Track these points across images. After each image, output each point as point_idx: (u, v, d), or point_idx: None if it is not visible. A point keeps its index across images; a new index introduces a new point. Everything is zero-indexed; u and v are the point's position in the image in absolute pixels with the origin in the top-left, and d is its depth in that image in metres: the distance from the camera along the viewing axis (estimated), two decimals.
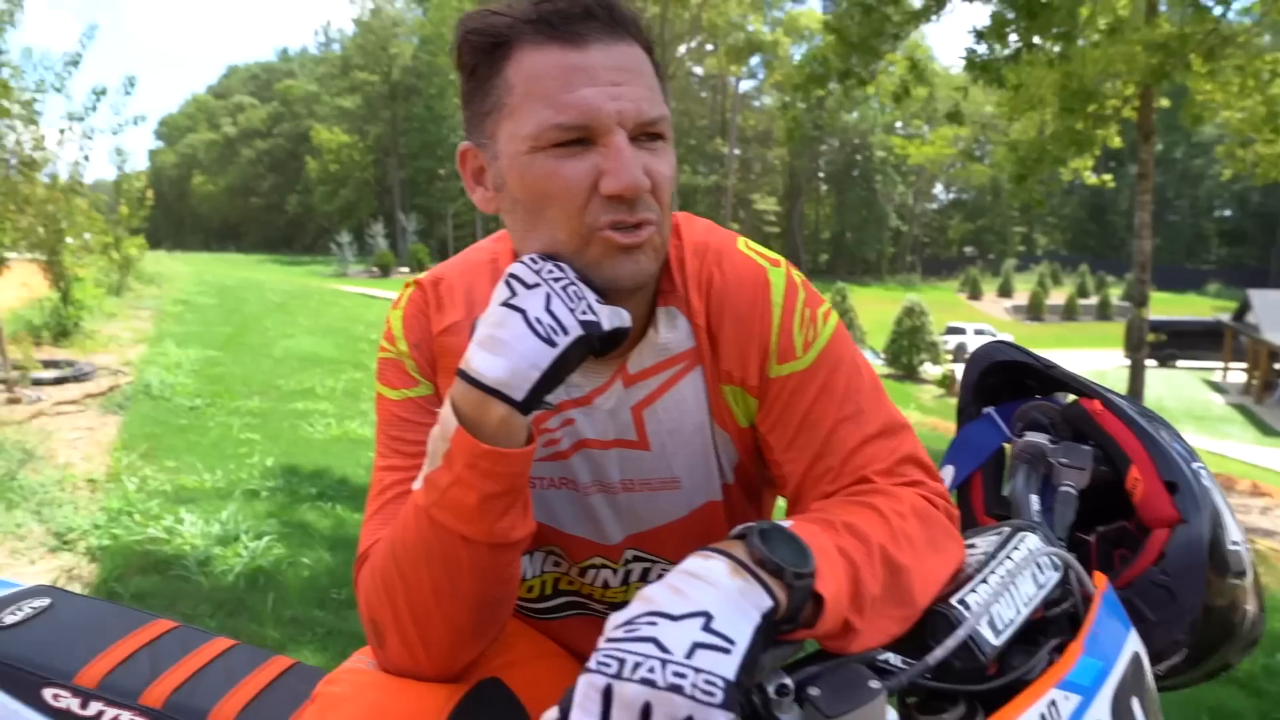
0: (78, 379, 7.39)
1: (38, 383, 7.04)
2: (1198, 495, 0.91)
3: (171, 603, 3.29)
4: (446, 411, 0.74)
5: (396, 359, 0.91)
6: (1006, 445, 1.10)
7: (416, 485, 0.77)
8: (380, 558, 0.80)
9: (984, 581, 0.75)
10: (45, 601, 1.01)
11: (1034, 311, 45.14)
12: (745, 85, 56.59)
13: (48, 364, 7.77)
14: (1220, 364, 30.01)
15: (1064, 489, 0.95)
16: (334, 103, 61.73)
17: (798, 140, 7.78)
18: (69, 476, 4.72)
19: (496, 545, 0.75)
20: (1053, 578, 0.79)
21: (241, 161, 70.92)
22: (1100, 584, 0.82)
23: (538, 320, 0.72)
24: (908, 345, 23.63)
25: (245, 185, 71.40)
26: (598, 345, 0.74)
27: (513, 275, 0.76)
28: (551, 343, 0.71)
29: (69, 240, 8.88)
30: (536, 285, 0.74)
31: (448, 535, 0.74)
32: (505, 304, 0.74)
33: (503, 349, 0.71)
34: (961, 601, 0.73)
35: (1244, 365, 27.83)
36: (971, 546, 0.83)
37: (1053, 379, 1.09)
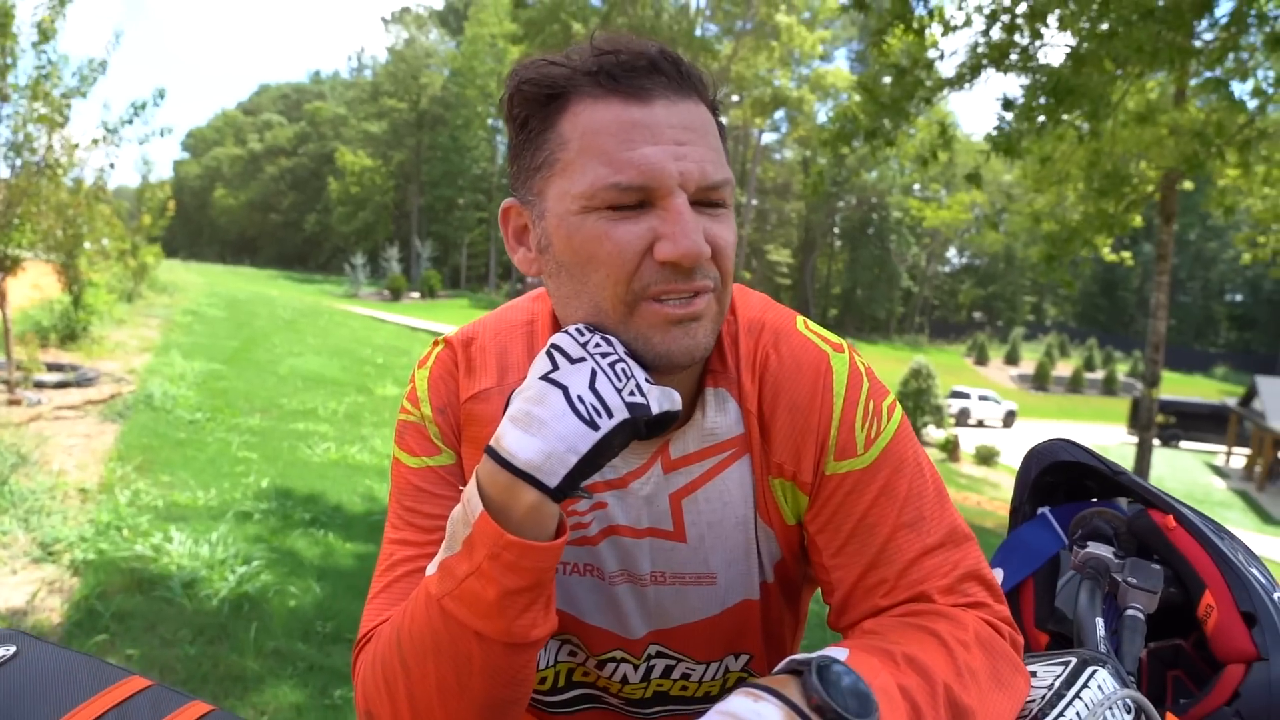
0: (80, 384, 7.34)
1: (40, 385, 6.99)
2: None
3: (152, 625, 3.19)
4: (471, 493, 0.66)
5: (419, 423, 0.84)
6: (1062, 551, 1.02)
7: (431, 569, 0.69)
8: (383, 645, 0.72)
9: None
10: (10, 650, 0.92)
11: (1039, 381, 44.97)
12: (767, 138, 57.19)
13: (52, 367, 7.73)
14: (1224, 448, 29.77)
15: (1131, 613, 0.87)
16: (361, 127, 62.55)
17: (820, 195, 7.81)
18: (61, 484, 4.64)
19: (513, 645, 0.67)
20: None
21: (264, 178, 71.75)
22: None
23: (579, 399, 0.65)
24: (913, 407, 23.50)
25: (266, 201, 72.14)
26: (644, 430, 0.67)
27: (555, 347, 0.69)
28: (594, 425, 0.64)
29: (86, 245, 8.90)
30: (581, 360, 0.68)
31: (460, 630, 0.66)
32: (545, 378, 0.67)
33: (539, 428, 0.64)
34: None
35: (1247, 451, 27.57)
36: (1032, 674, 0.75)
37: (1116, 484, 1.01)
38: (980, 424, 31.49)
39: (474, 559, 0.65)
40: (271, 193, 71.64)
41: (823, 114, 55.08)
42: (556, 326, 0.82)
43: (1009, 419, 32.43)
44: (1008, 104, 6.13)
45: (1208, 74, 6.76)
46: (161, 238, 15.46)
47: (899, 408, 0.81)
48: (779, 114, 52.54)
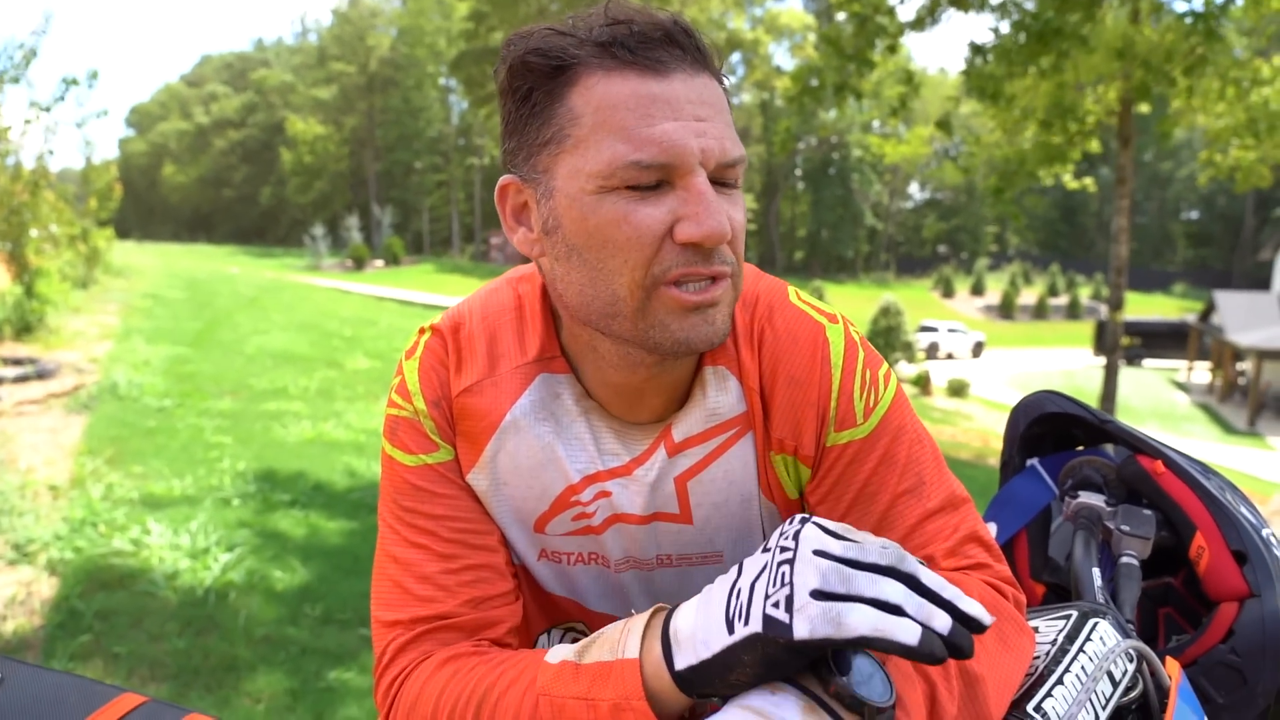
0: (41, 377, 7.17)
1: None
2: (1270, 567, 0.84)
3: (137, 621, 3.16)
4: (633, 638, 0.63)
5: (412, 418, 0.80)
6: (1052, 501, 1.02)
7: (552, 657, 0.67)
8: (457, 695, 0.70)
9: (1060, 682, 0.67)
10: None
11: (1005, 310, 45.51)
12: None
13: (9, 361, 7.54)
14: (1185, 363, 30.46)
15: (1126, 560, 0.88)
16: (309, 93, 60.93)
17: (790, 150, 7.75)
18: (30, 483, 4.55)
19: None
20: (1128, 670, 0.72)
21: (214, 151, 69.80)
22: (1175, 674, 0.75)
23: (738, 592, 0.59)
24: (883, 344, 23.74)
25: (217, 176, 70.29)
26: (783, 655, 0.56)
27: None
28: (729, 628, 0.58)
29: (33, 232, 8.62)
30: (768, 550, 0.61)
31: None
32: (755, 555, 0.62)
33: (705, 605, 0.61)
34: (1038, 709, 0.65)
35: (1208, 365, 28.25)
36: (1034, 630, 0.76)
37: (1103, 431, 1.02)
38: (950, 356, 31.89)
39: (596, 690, 0.62)
40: (223, 167, 69.78)
41: (779, 55, 54.49)
42: (548, 309, 0.79)
43: (977, 349, 32.88)
44: (978, 49, 6.10)
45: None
46: (112, 220, 15.03)
47: (894, 376, 0.80)
48: (735, 57, 51.90)
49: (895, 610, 0.54)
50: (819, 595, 0.54)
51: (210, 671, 2.85)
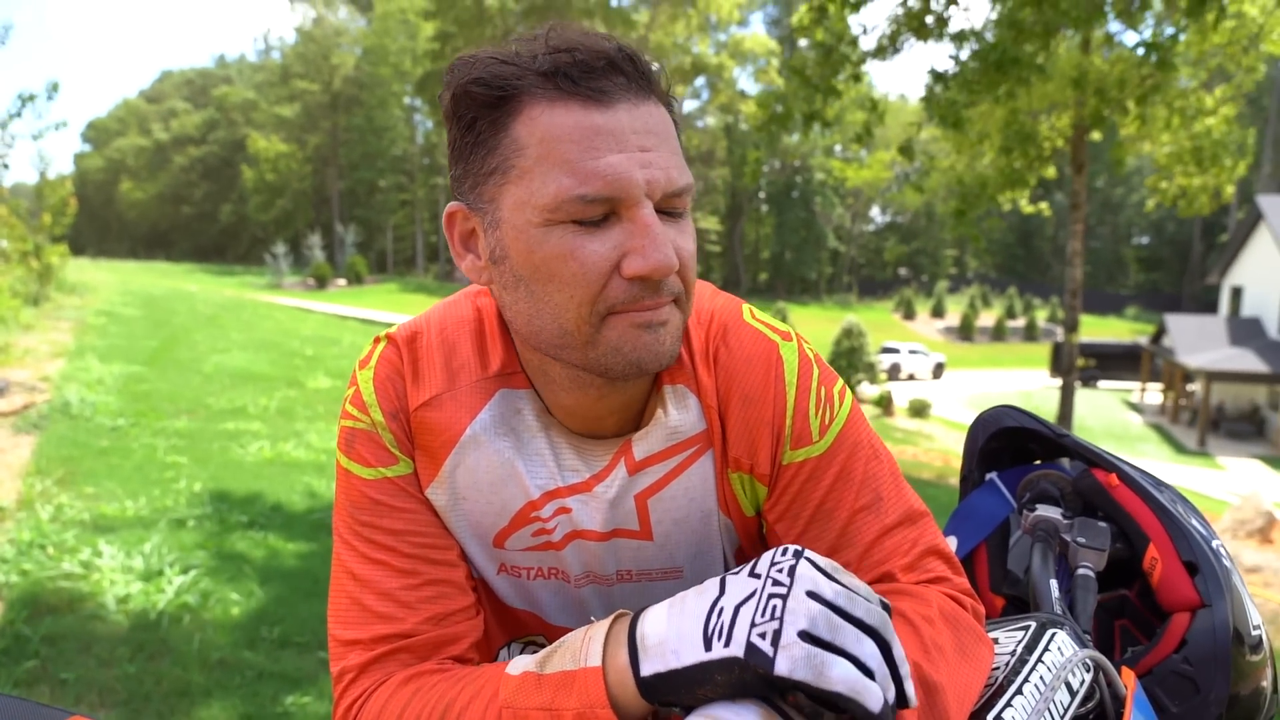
0: None
1: None
2: (1220, 578, 0.87)
3: (86, 646, 3.07)
4: (594, 646, 0.62)
5: (370, 430, 0.78)
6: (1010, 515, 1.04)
7: (514, 668, 0.66)
8: (414, 717, 0.68)
9: (1019, 692, 0.68)
10: None
11: (965, 332, 46.29)
12: (689, 105, 57.04)
13: None
14: (1138, 385, 31.17)
15: (1082, 572, 0.89)
16: (272, 111, 60.30)
17: (757, 179, 7.87)
18: None
19: None
20: (1085, 680, 0.73)
21: (173, 168, 68.70)
22: (1130, 684, 0.76)
23: (719, 610, 0.59)
24: (846, 365, 24.01)
25: (176, 193, 69.14)
26: (757, 683, 0.56)
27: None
28: (707, 644, 0.57)
29: None
30: (757, 576, 0.61)
31: None
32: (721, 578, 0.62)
33: (678, 614, 0.61)
34: (998, 719, 0.66)
35: (1160, 386, 28.95)
36: (994, 641, 0.77)
37: (1059, 446, 1.04)
38: (911, 377, 32.31)
39: (559, 700, 0.61)
40: (182, 184, 68.69)
41: (743, 79, 55.24)
42: (505, 329, 0.79)
43: (938, 370, 33.37)
44: (939, 77, 6.27)
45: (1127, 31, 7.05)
46: (67, 236, 14.73)
47: (849, 392, 0.81)
48: (699, 81, 52.51)
49: (868, 673, 0.56)
50: (805, 637, 0.55)
51: (162, 697, 2.77)
